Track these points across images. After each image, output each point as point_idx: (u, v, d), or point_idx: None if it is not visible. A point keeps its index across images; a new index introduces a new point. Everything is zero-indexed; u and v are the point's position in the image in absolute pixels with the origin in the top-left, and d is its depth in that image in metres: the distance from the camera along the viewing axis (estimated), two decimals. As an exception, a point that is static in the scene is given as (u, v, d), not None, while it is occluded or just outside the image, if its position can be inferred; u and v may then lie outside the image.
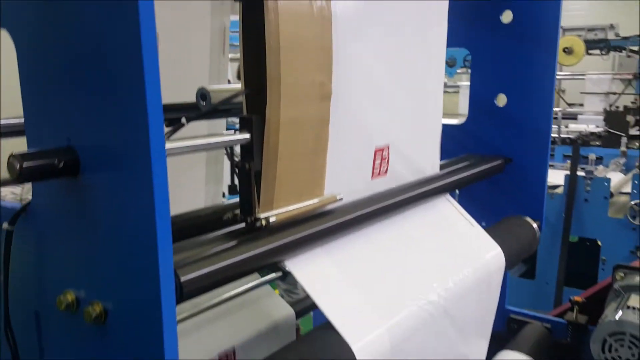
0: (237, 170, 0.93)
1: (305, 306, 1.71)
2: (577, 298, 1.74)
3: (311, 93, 0.99)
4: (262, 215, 0.95)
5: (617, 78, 8.56)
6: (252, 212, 0.95)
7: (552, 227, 4.03)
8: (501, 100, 1.79)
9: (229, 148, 1.82)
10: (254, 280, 1.62)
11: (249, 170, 0.93)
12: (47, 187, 0.74)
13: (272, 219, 0.95)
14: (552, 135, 3.13)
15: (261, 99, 0.92)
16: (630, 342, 1.41)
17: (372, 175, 1.21)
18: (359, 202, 1.17)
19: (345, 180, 1.14)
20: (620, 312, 1.46)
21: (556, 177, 4.35)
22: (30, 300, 0.82)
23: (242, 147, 0.93)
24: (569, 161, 4.55)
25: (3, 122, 0.92)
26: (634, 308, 1.46)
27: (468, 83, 1.91)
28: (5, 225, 0.77)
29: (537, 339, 1.69)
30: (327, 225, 1.06)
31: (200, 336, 1.37)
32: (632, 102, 7.39)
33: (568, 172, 4.05)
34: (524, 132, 1.77)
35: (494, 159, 1.72)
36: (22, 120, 0.79)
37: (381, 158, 1.21)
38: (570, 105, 8.64)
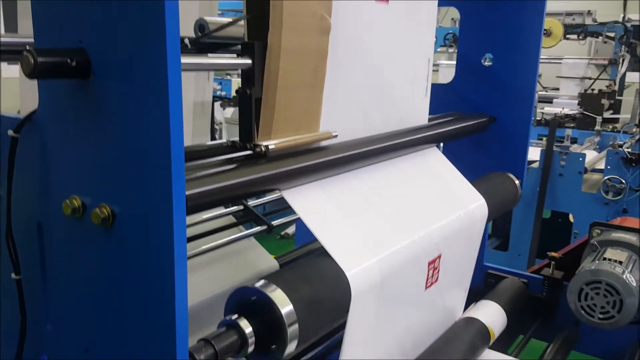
0: (237, 95, 0.94)
1: (289, 259, 1.75)
2: (554, 254, 1.80)
3: (312, 24, 1.00)
4: (262, 143, 0.96)
5: (593, 63, 8.71)
6: (251, 139, 0.96)
7: (527, 200, 4.12)
8: (488, 60, 1.82)
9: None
10: (239, 232, 1.65)
11: (250, 96, 0.94)
12: (56, 91, 0.74)
13: (271, 146, 0.97)
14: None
15: (263, 26, 0.93)
16: (606, 290, 1.47)
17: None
18: (353, 141, 1.19)
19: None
20: (596, 262, 1.52)
21: (532, 153, 4.44)
22: (32, 210, 0.82)
23: (243, 72, 0.94)
24: (545, 138, 4.65)
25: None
26: (609, 260, 1.52)
27: (448, 62, 1.94)
28: (10, 132, 0.77)
29: (513, 292, 1.75)
30: (322, 159, 1.08)
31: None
32: (606, 87, 7.53)
33: (544, 149, 4.14)
34: (509, 92, 1.81)
35: (479, 117, 1.75)
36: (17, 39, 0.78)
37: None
38: (544, 88, 8.77)
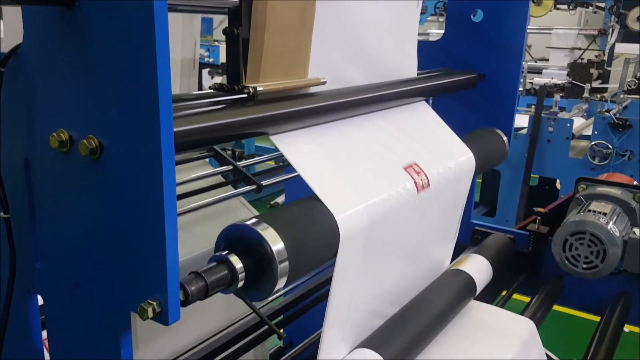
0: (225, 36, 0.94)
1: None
2: (540, 209, 1.83)
3: (300, -35, 0.99)
4: (250, 85, 0.96)
5: (583, 34, 8.70)
6: (239, 81, 0.96)
7: (514, 166, 4.17)
8: (478, 15, 1.81)
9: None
10: (228, 191, 1.65)
11: (237, 36, 0.93)
12: (41, 22, 0.73)
13: (259, 88, 0.96)
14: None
15: (250, -35, 0.92)
16: (590, 240, 1.50)
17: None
18: (342, 89, 1.19)
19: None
20: (581, 214, 1.54)
21: (521, 120, 4.47)
22: (19, 147, 0.82)
23: (230, 11, 0.93)
24: (534, 106, 4.67)
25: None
26: (594, 211, 1.55)
27: (438, 31, 1.93)
28: (-5, 66, 0.76)
29: (500, 247, 1.78)
30: (311, 105, 1.08)
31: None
32: (595, 57, 7.54)
33: (532, 115, 4.16)
34: (498, 49, 1.80)
35: (468, 72, 1.75)
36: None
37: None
38: (534, 59, 8.77)
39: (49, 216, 0.82)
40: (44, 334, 0.95)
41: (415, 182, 1.26)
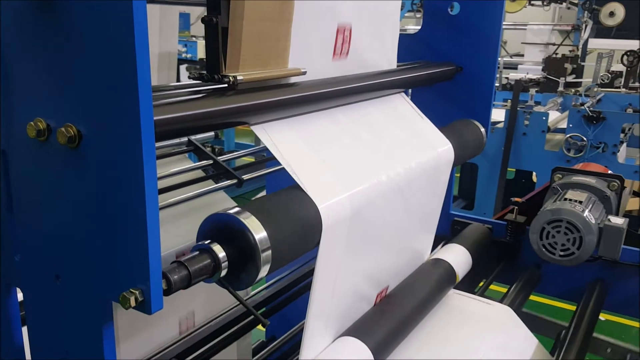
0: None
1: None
2: (517, 199, 1.86)
3: (278, -46, 0.99)
4: (230, 74, 0.96)
5: (557, 29, 8.85)
6: (219, 70, 0.96)
7: (492, 160, 4.22)
8: (455, 9, 1.83)
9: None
10: (209, 185, 1.64)
11: (216, 25, 0.93)
12: (18, 11, 0.72)
13: (239, 77, 0.96)
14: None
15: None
16: (567, 228, 1.53)
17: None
18: (322, 80, 1.19)
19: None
20: (558, 203, 1.57)
21: (497, 114, 4.53)
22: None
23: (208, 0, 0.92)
24: (509, 100, 4.73)
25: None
26: (570, 200, 1.58)
27: (416, 27, 1.94)
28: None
29: (478, 236, 1.80)
30: (292, 95, 1.08)
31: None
32: (569, 51, 7.67)
33: (509, 109, 4.22)
34: (474, 41, 1.82)
35: (446, 64, 1.77)
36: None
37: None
38: (509, 54, 8.90)
39: (28, 208, 0.81)
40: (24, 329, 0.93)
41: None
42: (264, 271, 0.88)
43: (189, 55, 4.95)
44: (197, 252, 0.82)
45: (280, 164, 1.60)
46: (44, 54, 0.72)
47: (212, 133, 2.07)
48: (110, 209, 0.71)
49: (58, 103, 0.72)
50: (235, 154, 1.97)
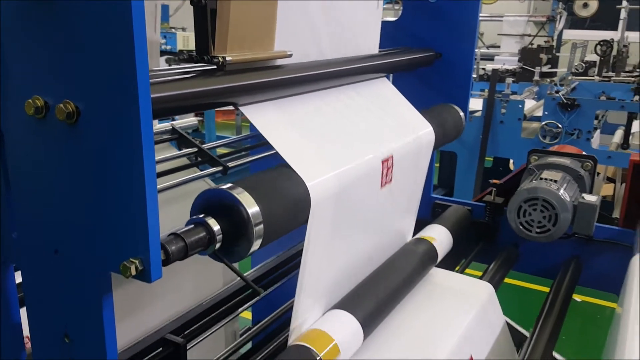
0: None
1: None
2: (495, 181, 1.92)
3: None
4: (219, 55, 0.98)
5: (532, 20, 9.00)
6: (208, 51, 0.98)
7: (470, 148, 4.30)
8: (434, -5, 1.87)
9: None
10: (193, 173, 1.66)
11: (205, 6, 0.95)
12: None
13: (228, 58, 0.99)
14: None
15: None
16: (542, 206, 1.59)
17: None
18: (308, 63, 1.23)
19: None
20: (534, 182, 1.63)
21: (475, 104, 4.61)
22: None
23: (198, -18, 0.95)
24: (487, 90, 4.82)
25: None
26: (546, 179, 1.64)
27: (394, 19, 1.99)
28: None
29: (458, 218, 1.86)
30: (279, 77, 1.11)
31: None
32: (545, 42, 7.81)
33: (486, 98, 4.30)
34: (453, 28, 1.87)
35: (426, 50, 1.82)
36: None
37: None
38: (485, 45, 9.02)
39: (26, 185, 0.83)
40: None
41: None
42: (256, 244, 0.91)
43: (168, 47, 4.94)
44: (193, 225, 0.85)
45: (263, 152, 1.64)
46: (41, 32, 0.74)
47: (195, 122, 2.10)
48: (110, 182, 0.74)
49: (56, 80, 0.74)
50: (220, 142, 2.00)
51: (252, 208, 0.89)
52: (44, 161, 0.79)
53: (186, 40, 5.17)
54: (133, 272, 0.73)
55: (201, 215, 0.87)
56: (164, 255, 0.77)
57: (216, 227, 0.86)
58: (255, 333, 1.44)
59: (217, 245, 0.87)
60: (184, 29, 5.98)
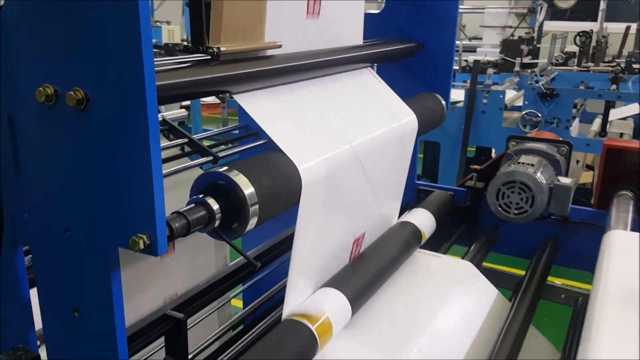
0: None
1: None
2: (476, 166, 2.00)
3: None
4: (213, 46, 1.05)
5: (514, 12, 9.13)
6: (203, 42, 1.04)
7: (452, 138, 4.40)
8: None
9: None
10: (185, 162, 1.72)
11: (200, 0, 1.01)
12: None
13: (222, 49, 1.05)
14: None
15: None
16: (520, 188, 1.68)
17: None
18: (296, 53, 1.29)
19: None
20: (512, 166, 1.72)
21: (457, 95, 4.70)
22: (2, 104, 0.87)
23: (193, -23, 1.01)
24: (469, 81, 4.91)
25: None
26: (523, 163, 1.73)
27: (377, 11, 2.05)
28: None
29: (441, 202, 1.94)
30: (271, 66, 1.18)
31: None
32: (526, 33, 7.94)
33: (468, 88, 4.39)
34: (434, 19, 1.94)
35: (408, 41, 1.89)
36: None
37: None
38: (467, 37, 9.14)
39: (35, 168, 0.88)
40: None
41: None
42: (252, 223, 0.98)
43: (154, 41, 4.95)
44: (194, 205, 0.91)
45: (252, 142, 1.71)
46: (51, 22, 0.79)
47: (184, 113, 2.16)
48: (118, 163, 0.80)
49: (66, 69, 0.80)
50: (210, 132, 2.05)
51: (247, 189, 0.96)
52: (54, 146, 0.85)
53: (171, 33, 5.22)
54: (141, 246, 0.79)
55: (201, 196, 0.93)
56: (168, 231, 0.84)
57: (215, 206, 0.92)
58: (249, 312, 1.50)
59: (217, 223, 0.93)
60: (168, 23, 6.02)
